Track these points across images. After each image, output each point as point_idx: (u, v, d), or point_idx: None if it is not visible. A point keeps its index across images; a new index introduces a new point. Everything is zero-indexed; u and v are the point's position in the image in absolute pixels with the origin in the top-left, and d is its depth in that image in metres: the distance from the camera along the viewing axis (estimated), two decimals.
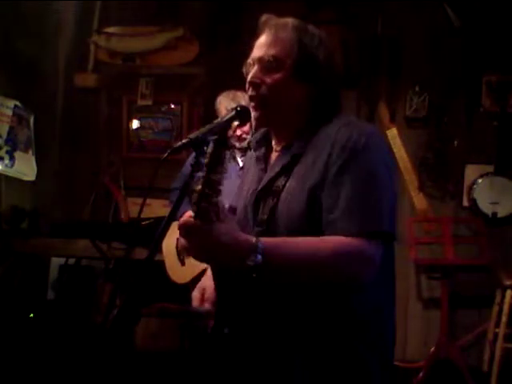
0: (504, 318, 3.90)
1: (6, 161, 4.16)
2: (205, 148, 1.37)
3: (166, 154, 1.42)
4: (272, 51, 1.55)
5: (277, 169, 1.58)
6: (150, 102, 4.83)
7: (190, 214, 1.37)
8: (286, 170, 1.56)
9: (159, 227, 1.42)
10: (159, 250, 3.35)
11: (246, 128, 3.10)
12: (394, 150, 4.33)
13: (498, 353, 3.88)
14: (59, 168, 4.88)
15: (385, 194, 1.48)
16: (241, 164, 3.13)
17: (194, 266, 3.11)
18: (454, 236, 4.21)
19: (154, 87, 4.80)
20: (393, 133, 4.39)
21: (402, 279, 4.16)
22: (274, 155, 1.64)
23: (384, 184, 1.49)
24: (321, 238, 1.44)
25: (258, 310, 1.52)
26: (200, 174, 1.33)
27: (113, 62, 4.83)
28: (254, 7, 3.99)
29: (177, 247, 3.44)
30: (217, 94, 3.31)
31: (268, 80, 1.55)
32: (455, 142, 4.40)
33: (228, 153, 1.33)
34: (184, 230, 1.36)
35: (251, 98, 1.57)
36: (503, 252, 4.28)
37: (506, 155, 4.28)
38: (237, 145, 3.17)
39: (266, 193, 1.58)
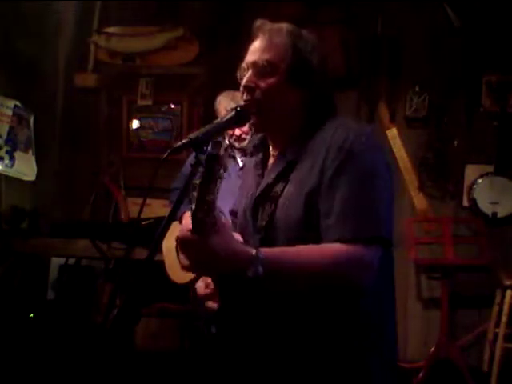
0: (504, 318, 3.90)
1: (6, 161, 4.16)
2: (205, 148, 1.37)
3: (166, 154, 1.42)
4: (266, 56, 1.55)
5: (273, 175, 1.58)
6: (150, 102, 4.83)
7: (189, 214, 1.37)
8: (282, 176, 1.56)
9: (159, 227, 1.42)
10: (159, 250, 3.35)
11: (246, 128, 3.08)
12: (394, 150, 4.34)
13: (497, 353, 3.88)
14: (59, 168, 4.88)
15: (382, 196, 1.48)
16: (241, 164, 3.13)
17: None
18: (454, 236, 4.21)
19: (154, 87, 4.80)
20: (393, 133, 4.39)
21: (401, 279, 4.16)
22: (271, 160, 1.65)
23: (381, 184, 1.49)
24: (320, 246, 1.44)
25: (259, 311, 1.52)
26: (194, 193, 1.30)
27: (113, 62, 4.83)
28: (254, 7, 3.99)
29: (177, 247, 3.44)
30: (217, 93, 3.31)
31: (262, 84, 1.55)
32: (455, 142, 4.40)
33: (221, 169, 1.30)
34: (181, 244, 1.37)
35: (246, 103, 1.57)
36: (503, 252, 4.28)
37: (506, 155, 4.29)
38: (236, 145, 3.17)
39: (264, 198, 1.58)
